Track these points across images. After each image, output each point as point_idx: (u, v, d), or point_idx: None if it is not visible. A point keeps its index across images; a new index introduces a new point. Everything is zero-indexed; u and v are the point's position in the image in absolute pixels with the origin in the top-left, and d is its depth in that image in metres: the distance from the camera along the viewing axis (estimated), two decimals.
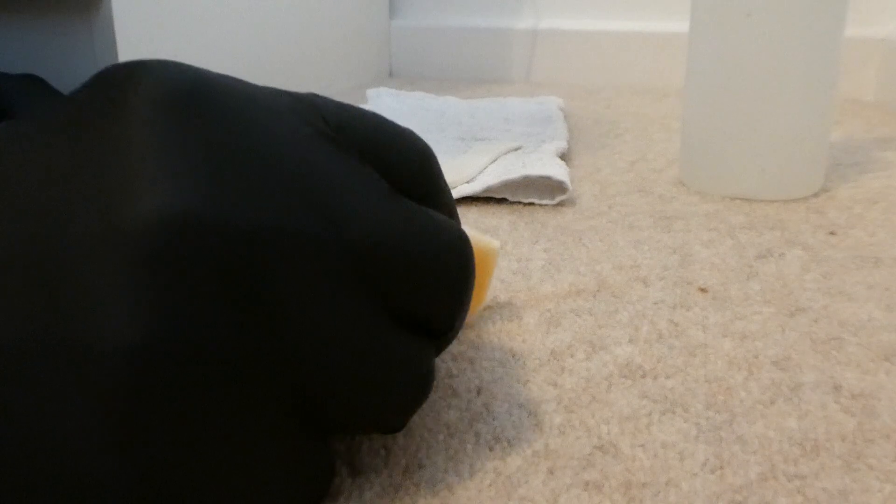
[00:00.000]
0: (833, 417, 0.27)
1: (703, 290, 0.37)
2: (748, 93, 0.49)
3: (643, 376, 0.30)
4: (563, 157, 0.62)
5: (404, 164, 0.23)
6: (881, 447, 0.25)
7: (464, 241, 0.22)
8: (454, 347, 0.32)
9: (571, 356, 0.31)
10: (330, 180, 0.20)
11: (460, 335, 0.33)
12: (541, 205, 0.51)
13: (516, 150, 0.59)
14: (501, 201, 0.52)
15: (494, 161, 0.56)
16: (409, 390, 0.21)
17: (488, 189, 0.51)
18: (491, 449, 0.25)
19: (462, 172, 0.53)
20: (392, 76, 1.12)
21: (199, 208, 0.17)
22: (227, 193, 0.18)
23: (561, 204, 0.51)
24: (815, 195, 0.52)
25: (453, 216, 0.25)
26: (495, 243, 0.31)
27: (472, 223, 0.47)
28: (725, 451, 0.25)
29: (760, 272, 0.39)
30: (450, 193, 0.25)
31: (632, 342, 0.32)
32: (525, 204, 0.51)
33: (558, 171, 0.50)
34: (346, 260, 0.19)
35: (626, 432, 0.26)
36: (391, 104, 0.77)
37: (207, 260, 0.17)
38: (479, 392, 0.29)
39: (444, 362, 0.31)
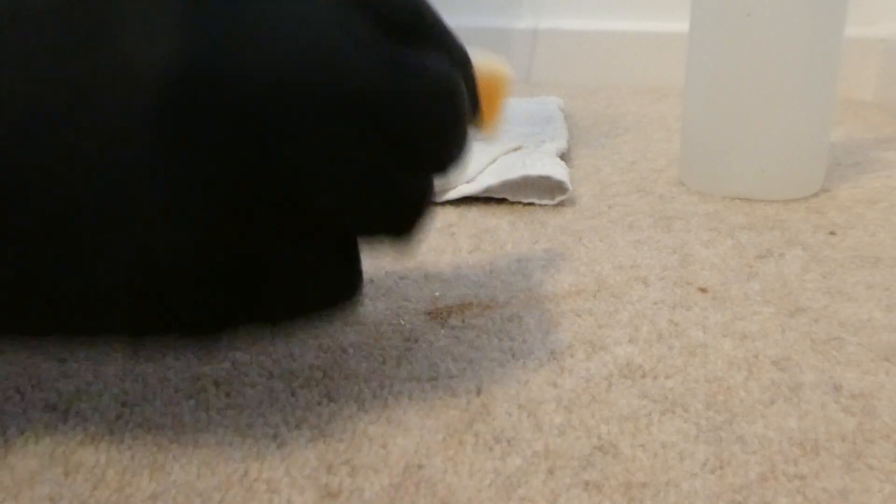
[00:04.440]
0: (833, 417, 0.27)
1: (702, 290, 0.37)
2: (748, 93, 0.49)
3: (643, 376, 0.30)
4: (563, 157, 0.62)
5: (395, 8, 0.24)
6: (881, 447, 0.25)
7: (452, 82, 0.24)
8: (454, 348, 0.32)
9: (571, 356, 0.31)
10: (326, 34, 0.22)
11: (460, 335, 0.33)
12: (541, 205, 0.51)
13: (516, 150, 0.59)
14: (501, 201, 0.51)
15: (494, 161, 0.56)
16: (412, 205, 0.24)
17: (488, 189, 0.51)
18: (491, 449, 0.25)
19: (462, 172, 0.53)
20: None
21: None
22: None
23: (561, 204, 0.51)
24: (815, 195, 0.52)
25: (451, 51, 0.26)
26: (505, 69, 0.31)
27: (472, 223, 0.47)
28: (725, 451, 0.25)
29: (760, 272, 0.39)
30: (446, 29, 0.26)
31: (632, 342, 0.32)
32: (525, 204, 0.51)
33: (558, 170, 0.50)
34: (345, 108, 0.21)
35: (626, 432, 0.26)
36: None
37: None
38: (479, 392, 0.29)
39: (444, 362, 0.31)
